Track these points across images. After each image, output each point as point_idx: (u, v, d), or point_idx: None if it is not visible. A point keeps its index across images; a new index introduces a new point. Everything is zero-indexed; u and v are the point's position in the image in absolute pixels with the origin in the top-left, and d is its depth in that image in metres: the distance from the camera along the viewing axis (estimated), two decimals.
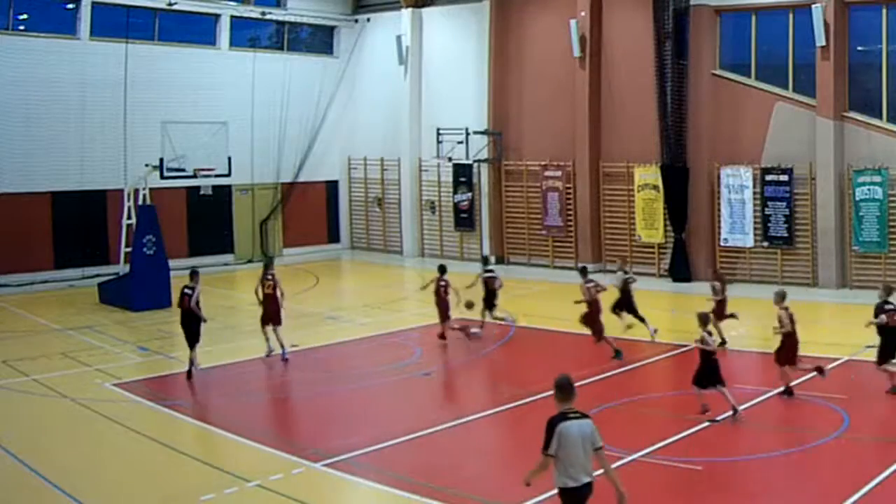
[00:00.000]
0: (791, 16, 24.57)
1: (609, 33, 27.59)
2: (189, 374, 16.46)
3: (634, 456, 11.70)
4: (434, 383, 16.38)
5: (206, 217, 30.93)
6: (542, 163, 28.91)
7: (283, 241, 33.44)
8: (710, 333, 13.92)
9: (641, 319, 18.81)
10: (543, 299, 24.15)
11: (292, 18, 33.14)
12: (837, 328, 20.32)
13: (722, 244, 25.63)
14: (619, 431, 13.12)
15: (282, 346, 17.72)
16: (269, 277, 17.99)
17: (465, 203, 31.23)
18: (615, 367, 16.52)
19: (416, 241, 32.78)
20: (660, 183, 26.23)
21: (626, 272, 19.43)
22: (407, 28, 32.21)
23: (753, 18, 25.32)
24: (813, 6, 23.31)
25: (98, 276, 26.27)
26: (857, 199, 23.30)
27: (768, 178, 24.67)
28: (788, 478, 11.04)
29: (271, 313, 17.87)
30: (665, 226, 26.48)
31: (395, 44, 32.21)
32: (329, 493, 11.28)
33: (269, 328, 17.84)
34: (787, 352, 14.47)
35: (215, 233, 31.24)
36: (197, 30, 31.22)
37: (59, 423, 14.06)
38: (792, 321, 14.49)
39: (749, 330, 20.02)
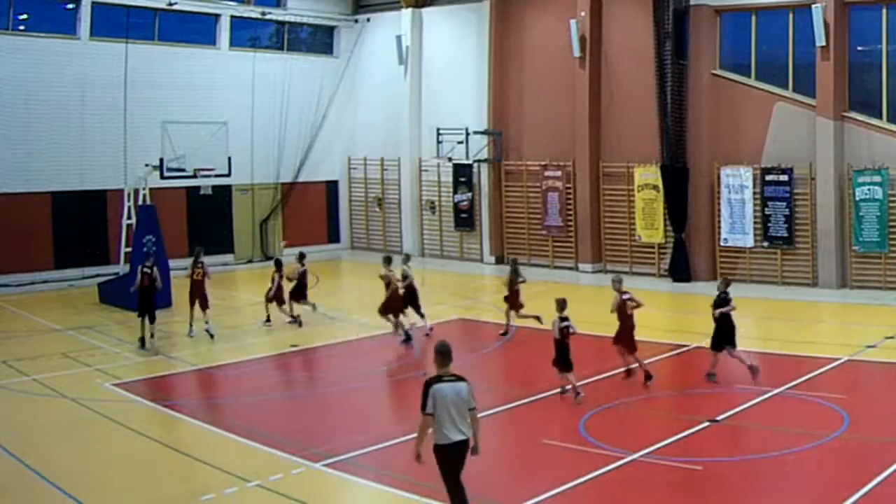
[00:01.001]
0: (791, 16, 24.57)
1: (609, 33, 27.59)
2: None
3: (634, 456, 11.70)
4: None
5: (206, 217, 30.91)
6: (542, 163, 28.90)
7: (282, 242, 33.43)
8: (564, 319, 14.51)
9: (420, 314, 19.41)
10: (543, 299, 24.07)
11: (292, 18, 33.14)
12: (837, 328, 20.35)
13: (722, 244, 25.63)
14: (619, 431, 13.15)
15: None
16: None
17: (465, 203, 31.23)
18: (615, 367, 16.50)
19: (416, 241, 32.78)
20: (660, 183, 26.22)
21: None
22: (407, 28, 32.21)
23: (753, 18, 25.32)
24: (813, 6, 23.31)
25: (98, 276, 26.27)
26: (857, 199, 23.31)
27: (768, 178, 24.67)
28: (788, 478, 11.04)
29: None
30: (665, 226, 26.48)
31: (395, 44, 32.21)
32: (329, 493, 11.28)
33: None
34: (622, 335, 15.51)
35: (215, 233, 31.23)
36: (197, 30, 31.21)
37: (59, 423, 14.05)
38: (624, 307, 15.46)
39: (749, 330, 20.04)
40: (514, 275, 19.47)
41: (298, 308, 20.98)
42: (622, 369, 15.86)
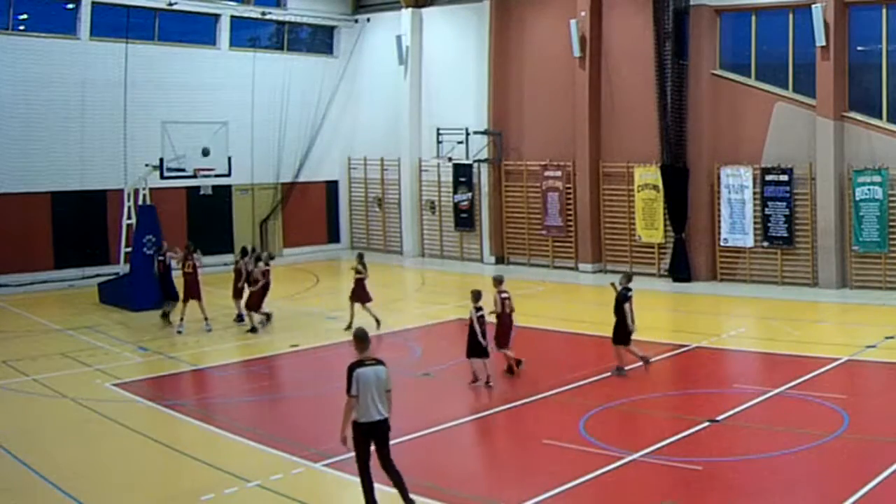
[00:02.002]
0: (791, 16, 24.56)
1: (609, 33, 27.58)
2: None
3: (634, 456, 11.70)
4: (434, 383, 16.37)
5: (206, 217, 30.91)
6: (542, 163, 28.91)
7: (283, 241, 33.43)
8: (479, 309, 15.38)
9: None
10: (543, 299, 24.14)
11: (292, 18, 33.14)
12: (837, 328, 20.35)
13: (722, 244, 25.63)
14: (619, 431, 13.16)
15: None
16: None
17: (465, 203, 31.23)
18: (615, 367, 16.50)
19: (416, 241, 32.78)
20: (660, 183, 26.22)
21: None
22: (407, 28, 32.21)
23: (753, 18, 25.32)
24: (813, 6, 23.30)
25: (98, 276, 26.27)
26: (857, 199, 23.30)
27: (768, 178, 24.67)
28: (788, 478, 11.04)
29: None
30: (665, 226, 26.48)
31: (395, 44, 32.20)
32: (329, 493, 11.29)
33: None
34: (500, 333, 16.10)
35: (215, 233, 31.23)
36: (197, 30, 31.21)
37: (59, 423, 14.05)
38: (504, 305, 16.13)
39: (749, 330, 20.06)
40: (363, 268, 20.37)
41: (257, 315, 20.55)
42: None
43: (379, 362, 10.15)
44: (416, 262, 31.78)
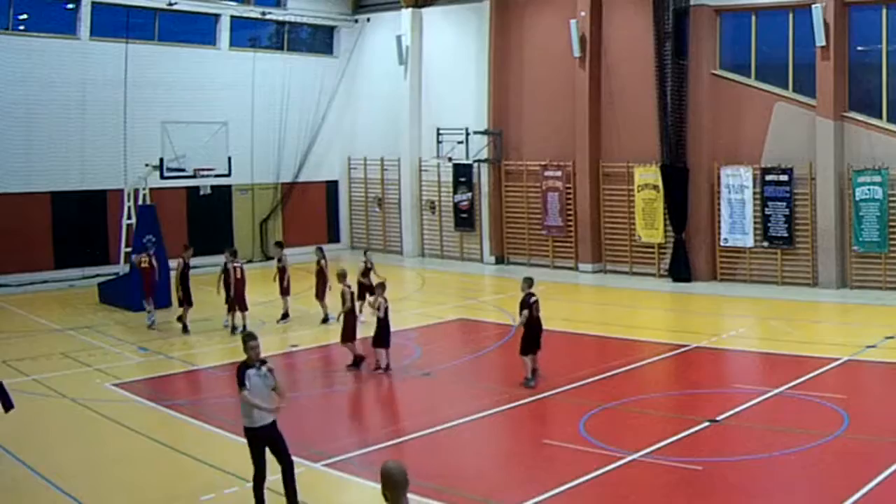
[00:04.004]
0: (791, 16, 24.56)
1: (609, 33, 27.58)
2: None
3: (634, 456, 11.70)
4: (434, 383, 16.37)
5: (206, 217, 30.91)
6: (542, 163, 28.91)
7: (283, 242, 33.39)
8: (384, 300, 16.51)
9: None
10: (543, 299, 24.00)
11: (292, 18, 33.14)
12: (837, 328, 20.35)
13: (722, 244, 25.63)
14: (619, 431, 13.15)
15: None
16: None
17: (465, 203, 31.23)
18: (615, 367, 16.51)
19: (416, 241, 32.78)
20: (660, 183, 26.22)
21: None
22: (407, 28, 32.21)
23: (753, 18, 25.32)
24: (813, 6, 23.30)
25: (98, 276, 26.27)
26: (857, 199, 23.30)
27: (768, 178, 24.67)
28: (788, 478, 11.04)
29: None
30: (665, 226, 26.48)
31: (395, 44, 32.20)
32: (329, 493, 11.28)
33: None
34: (346, 328, 16.91)
35: (215, 232, 31.22)
36: (197, 30, 31.21)
37: (59, 423, 14.06)
38: (352, 299, 17.24)
39: (749, 330, 20.06)
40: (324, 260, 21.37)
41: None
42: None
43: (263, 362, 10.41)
44: (416, 262, 31.78)
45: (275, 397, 10.36)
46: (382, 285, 17.27)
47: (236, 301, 20.10)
